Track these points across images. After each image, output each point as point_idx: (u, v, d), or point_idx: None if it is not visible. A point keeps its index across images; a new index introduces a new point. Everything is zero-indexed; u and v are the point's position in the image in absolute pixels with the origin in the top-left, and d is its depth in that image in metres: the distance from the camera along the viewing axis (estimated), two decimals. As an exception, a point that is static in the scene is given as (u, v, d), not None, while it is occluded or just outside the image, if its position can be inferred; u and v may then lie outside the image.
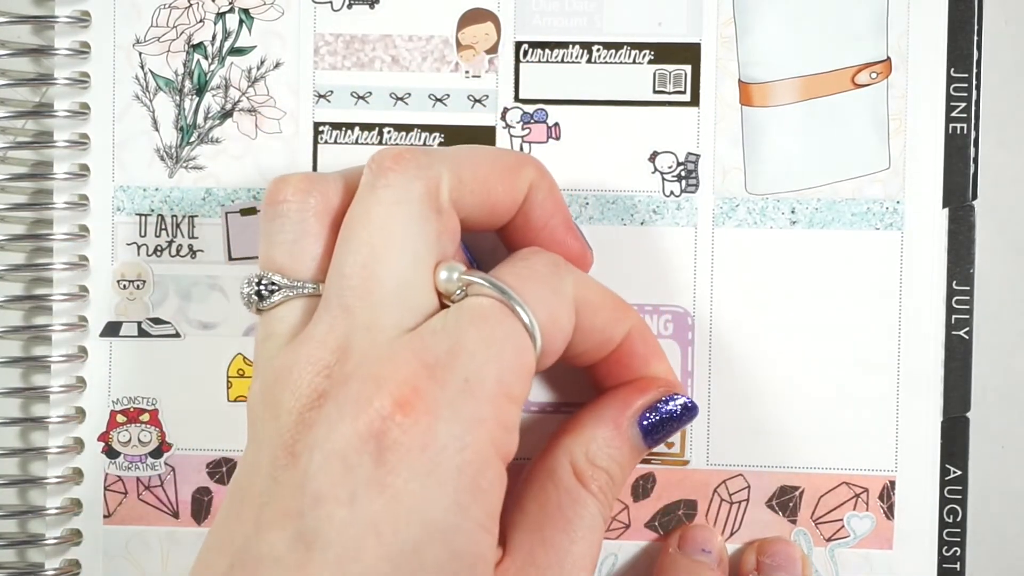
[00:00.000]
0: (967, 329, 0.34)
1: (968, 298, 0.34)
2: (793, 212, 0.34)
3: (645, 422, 0.30)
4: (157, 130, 0.34)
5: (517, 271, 0.27)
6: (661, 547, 0.34)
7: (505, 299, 0.26)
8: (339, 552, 0.23)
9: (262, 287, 0.28)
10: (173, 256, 0.34)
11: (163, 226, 0.34)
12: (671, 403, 0.30)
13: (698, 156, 0.34)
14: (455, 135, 0.34)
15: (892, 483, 0.34)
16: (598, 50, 0.34)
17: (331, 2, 0.34)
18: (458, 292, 0.27)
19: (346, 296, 0.26)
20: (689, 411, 0.30)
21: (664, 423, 0.30)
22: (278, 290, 0.28)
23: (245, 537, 0.24)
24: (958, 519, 0.34)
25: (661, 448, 0.34)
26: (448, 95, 0.34)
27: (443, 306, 0.27)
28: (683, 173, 0.34)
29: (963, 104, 0.34)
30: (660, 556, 0.33)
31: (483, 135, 0.34)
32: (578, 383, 0.33)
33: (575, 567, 0.28)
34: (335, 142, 0.34)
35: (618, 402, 0.30)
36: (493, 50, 0.34)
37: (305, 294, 0.27)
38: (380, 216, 0.26)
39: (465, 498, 0.24)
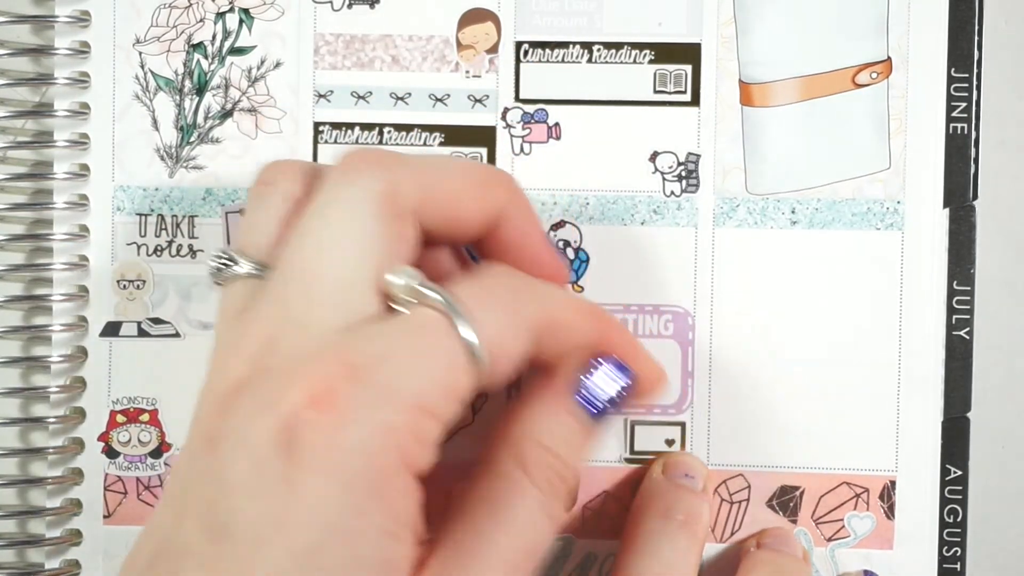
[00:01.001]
0: (968, 329, 0.34)
1: (969, 298, 0.34)
2: (793, 212, 0.34)
3: (589, 398, 0.28)
4: (157, 130, 0.34)
5: (474, 289, 0.26)
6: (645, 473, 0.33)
7: (453, 316, 0.25)
8: (246, 546, 0.23)
9: (222, 262, 0.28)
10: (173, 256, 0.34)
11: (163, 226, 0.34)
12: (614, 375, 0.29)
13: (698, 156, 0.34)
14: (455, 135, 0.34)
15: (892, 483, 0.34)
16: (598, 50, 0.34)
17: (331, 2, 0.34)
18: (410, 300, 0.26)
19: (284, 287, 0.26)
20: (629, 376, 0.29)
21: (606, 394, 0.28)
22: (234, 267, 0.28)
23: (166, 526, 0.24)
24: (958, 519, 0.34)
25: (661, 448, 0.34)
26: (448, 95, 0.34)
27: (391, 311, 0.26)
28: (683, 173, 0.34)
29: (963, 104, 0.34)
30: (643, 481, 0.33)
31: (483, 135, 0.34)
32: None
33: (501, 560, 0.26)
34: (335, 142, 0.34)
35: (559, 383, 0.28)
36: (493, 50, 0.34)
37: (257, 276, 0.27)
38: (333, 212, 0.26)
39: (368, 504, 0.23)
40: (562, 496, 0.28)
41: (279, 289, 0.26)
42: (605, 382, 0.28)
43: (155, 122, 0.34)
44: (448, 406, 0.25)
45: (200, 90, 0.34)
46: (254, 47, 0.34)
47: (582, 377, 0.28)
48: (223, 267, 0.28)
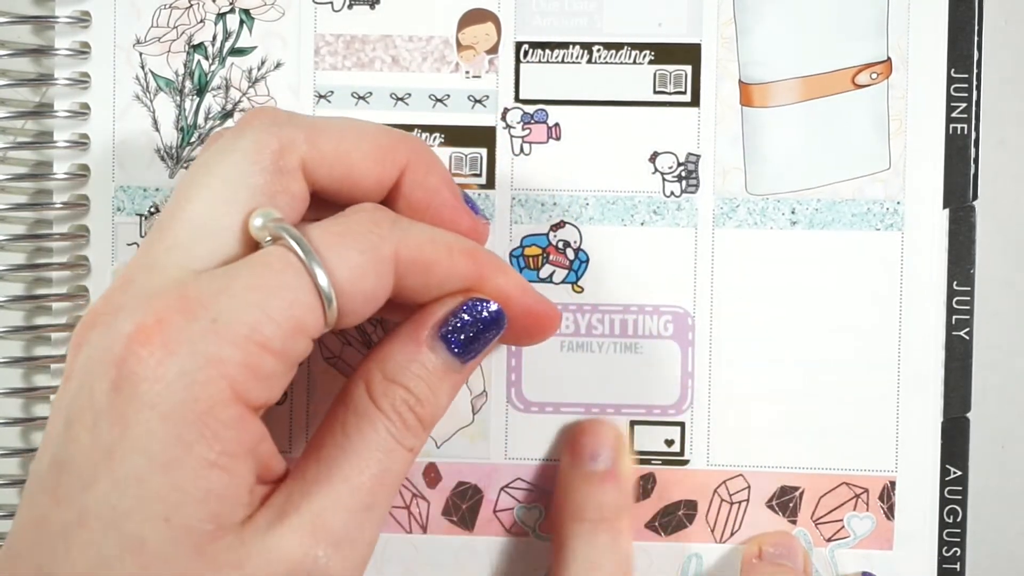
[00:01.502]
0: (967, 330, 0.34)
1: (968, 299, 0.34)
2: (793, 212, 0.34)
3: (448, 333, 0.28)
4: (158, 130, 0.34)
5: (330, 227, 0.26)
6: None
7: (302, 255, 0.25)
8: (80, 476, 0.24)
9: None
10: (173, 256, 0.34)
11: (163, 226, 0.34)
12: (475, 310, 0.28)
13: (698, 156, 0.34)
14: (455, 135, 0.34)
15: (892, 483, 0.34)
16: (598, 50, 0.34)
17: (332, 2, 0.34)
18: (267, 240, 0.26)
19: (151, 231, 0.26)
20: (493, 314, 0.28)
21: (466, 329, 0.28)
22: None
23: (35, 459, 0.26)
24: (958, 519, 0.34)
25: (661, 448, 0.34)
26: (448, 95, 0.34)
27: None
28: (683, 173, 0.34)
29: (963, 104, 0.34)
30: (559, 468, 0.33)
31: (483, 135, 0.34)
32: (584, 383, 0.34)
33: (348, 486, 0.26)
34: (335, 142, 0.34)
35: (418, 317, 0.28)
36: (493, 50, 0.34)
37: None
38: (211, 161, 0.26)
39: (189, 433, 0.24)
40: (413, 426, 0.27)
41: (150, 234, 0.27)
42: (469, 321, 0.28)
43: (155, 123, 0.34)
44: (290, 342, 0.25)
45: (201, 91, 0.34)
46: (254, 48, 0.34)
47: (445, 314, 0.28)
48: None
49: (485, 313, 0.28)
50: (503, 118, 0.34)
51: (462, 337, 0.28)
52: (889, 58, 0.34)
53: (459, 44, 0.34)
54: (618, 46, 0.34)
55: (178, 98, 0.34)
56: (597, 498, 0.32)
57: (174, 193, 0.27)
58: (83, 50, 0.35)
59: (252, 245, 0.26)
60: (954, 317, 0.34)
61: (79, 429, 0.24)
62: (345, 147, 0.28)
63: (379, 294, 0.27)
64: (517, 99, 0.34)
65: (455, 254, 0.28)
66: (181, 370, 0.24)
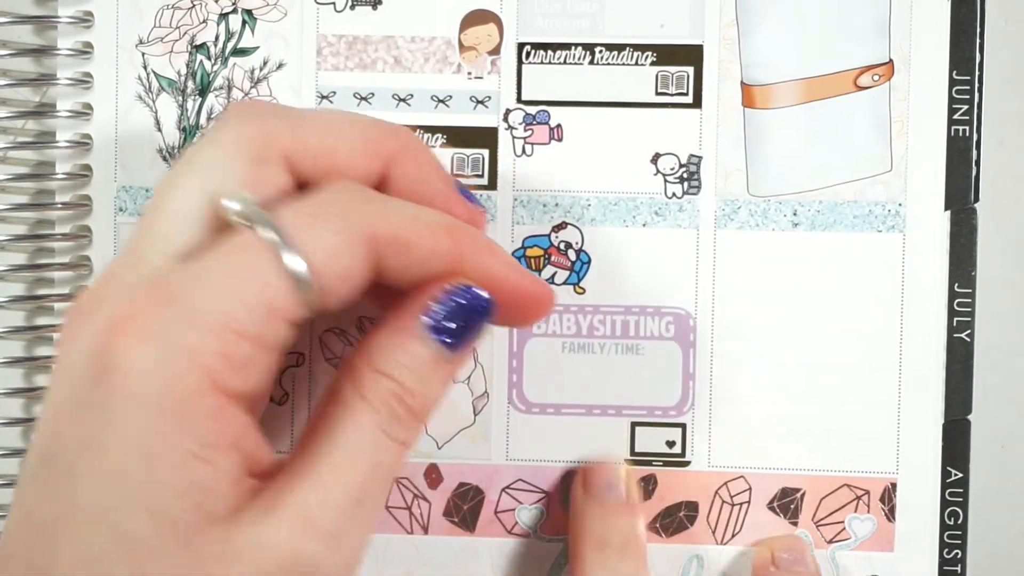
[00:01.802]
0: (968, 331, 0.34)
1: (970, 300, 0.34)
2: (795, 214, 0.34)
3: (435, 320, 0.27)
4: (160, 131, 0.34)
5: (302, 208, 0.26)
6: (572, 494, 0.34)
7: (273, 237, 0.25)
8: (66, 470, 0.24)
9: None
10: (175, 257, 0.34)
11: (165, 227, 0.34)
12: (461, 295, 0.27)
13: (700, 158, 0.34)
14: (457, 136, 0.34)
15: (893, 485, 0.34)
16: (600, 52, 0.34)
17: (334, 3, 0.34)
18: (243, 224, 0.25)
19: (137, 225, 0.26)
20: (482, 301, 0.27)
21: (453, 316, 0.27)
22: None
23: (26, 454, 0.26)
24: (959, 521, 0.34)
25: (662, 449, 0.34)
26: (450, 96, 0.34)
27: None
28: (685, 175, 0.34)
29: (965, 106, 0.34)
30: (571, 502, 0.33)
31: (485, 136, 0.34)
32: (585, 384, 0.34)
33: (338, 481, 0.25)
34: (337, 143, 0.34)
35: (403, 305, 0.27)
36: (495, 51, 0.34)
37: None
38: (193, 153, 0.27)
39: (167, 425, 0.23)
40: (403, 417, 0.26)
41: (135, 228, 0.27)
42: (454, 307, 0.27)
43: (158, 123, 0.34)
44: (266, 327, 0.25)
45: (203, 91, 0.34)
46: (257, 48, 0.34)
47: (431, 302, 0.27)
48: None
49: (471, 298, 0.27)
50: (505, 119, 0.34)
51: (451, 325, 0.27)
52: (891, 60, 0.34)
53: (461, 45, 0.34)
54: (620, 47, 0.34)
55: (180, 98, 0.34)
56: (618, 525, 0.32)
57: (158, 186, 0.27)
58: (85, 50, 0.35)
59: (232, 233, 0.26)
60: (955, 319, 0.34)
61: (64, 422, 0.24)
62: (330, 139, 0.27)
63: (355, 274, 0.26)
64: (519, 100, 0.34)
65: (437, 232, 0.27)
66: (157, 360, 0.24)
